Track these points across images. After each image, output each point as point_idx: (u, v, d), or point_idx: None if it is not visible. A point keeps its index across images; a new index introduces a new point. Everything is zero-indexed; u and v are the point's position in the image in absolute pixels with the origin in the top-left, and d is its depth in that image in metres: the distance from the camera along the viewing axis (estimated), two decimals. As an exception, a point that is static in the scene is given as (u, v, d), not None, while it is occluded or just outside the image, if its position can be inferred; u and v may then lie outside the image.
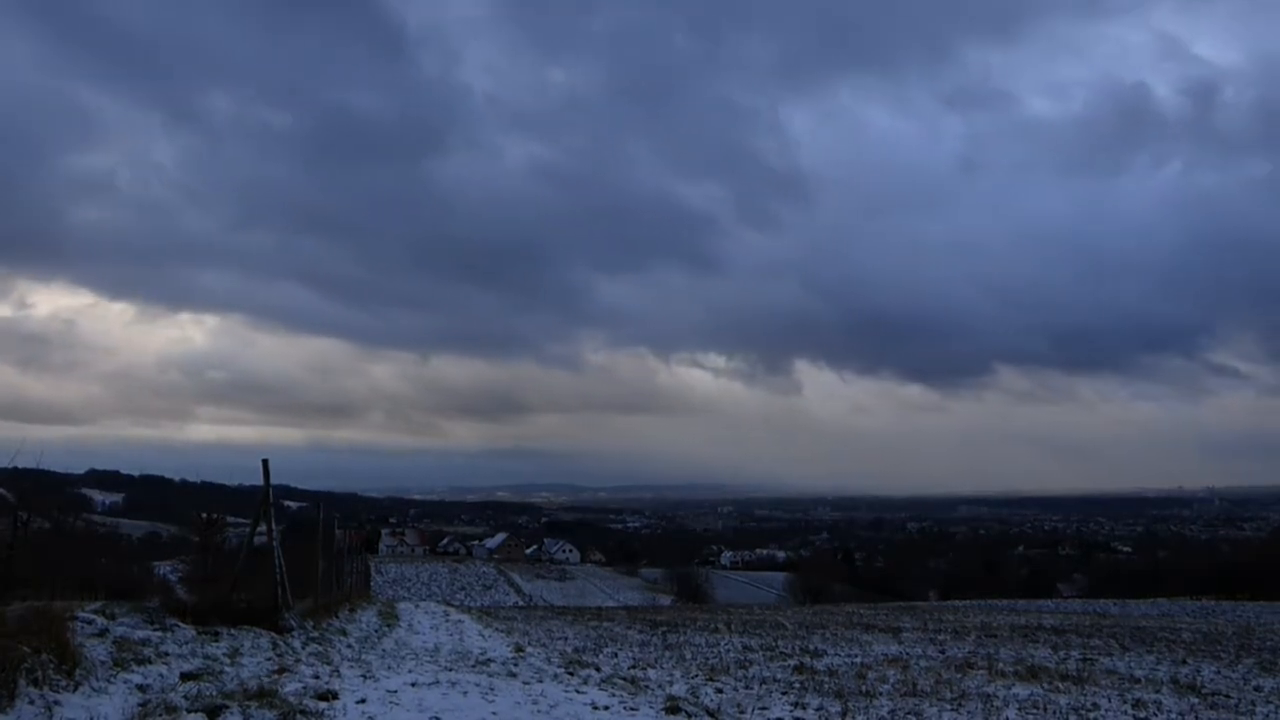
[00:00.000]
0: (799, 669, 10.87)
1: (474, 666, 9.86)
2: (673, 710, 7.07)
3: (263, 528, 11.59)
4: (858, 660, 11.99)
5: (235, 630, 9.28)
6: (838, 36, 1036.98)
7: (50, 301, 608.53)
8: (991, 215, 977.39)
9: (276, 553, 11.30)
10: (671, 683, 9.36)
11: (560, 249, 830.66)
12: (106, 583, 16.96)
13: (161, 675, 6.62)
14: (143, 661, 6.79)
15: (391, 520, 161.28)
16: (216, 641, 8.47)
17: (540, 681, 8.51)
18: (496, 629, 17.36)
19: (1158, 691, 9.26)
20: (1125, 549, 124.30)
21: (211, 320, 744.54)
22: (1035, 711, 7.96)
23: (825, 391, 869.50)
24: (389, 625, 16.33)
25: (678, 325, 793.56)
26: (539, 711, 6.78)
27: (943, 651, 13.35)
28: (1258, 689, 9.67)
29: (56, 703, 5.29)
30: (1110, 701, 8.54)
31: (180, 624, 8.66)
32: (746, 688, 9.16)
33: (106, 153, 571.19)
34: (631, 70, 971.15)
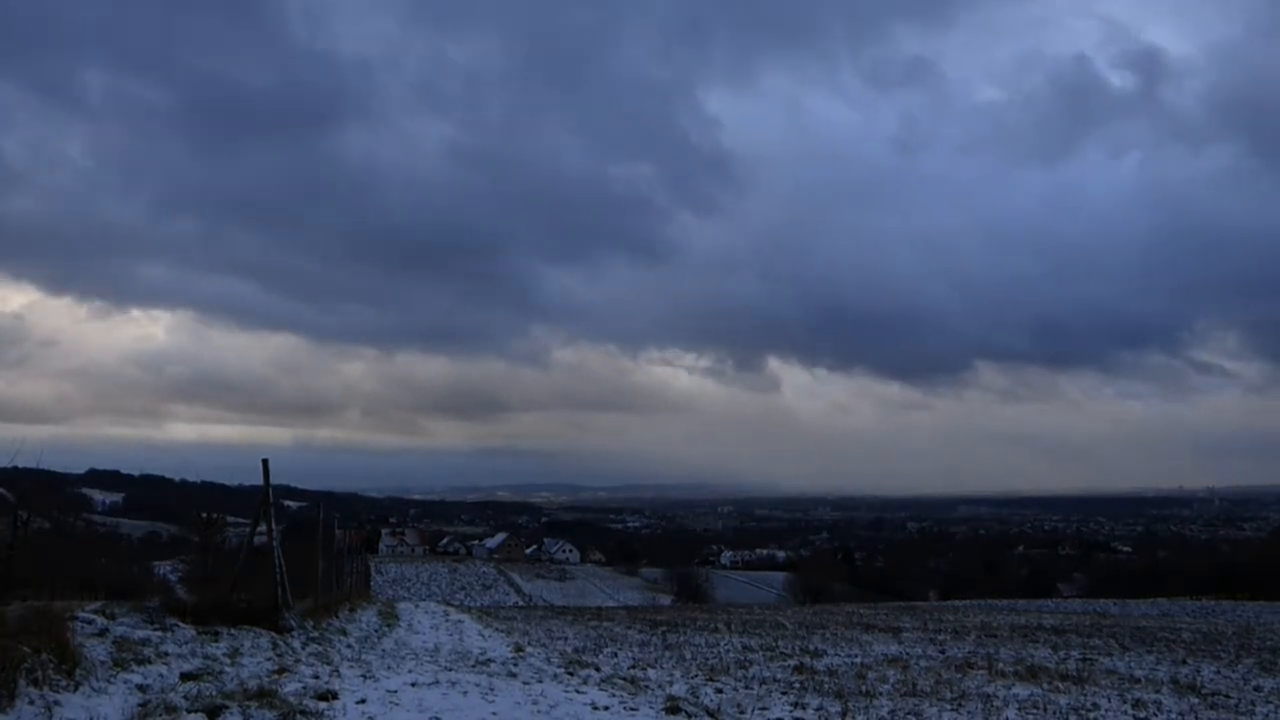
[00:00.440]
0: (799, 669, 10.87)
1: (474, 666, 9.86)
2: (673, 710, 7.07)
3: (263, 528, 11.58)
4: (858, 660, 11.99)
5: (235, 630, 9.28)
6: (753, 11, 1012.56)
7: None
8: (945, 204, 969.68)
9: (276, 553, 11.30)
10: (671, 683, 9.36)
11: (498, 238, 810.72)
12: (106, 583, 16.96)
13: (161, 675, 6.62)
14: (143, 661, 6.79)
15: (391, 520, 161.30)
16: (216, 641, 8.46)
17: (540, 681, 8.51)
18: (496, 629, 17.36)
19: (1158, 691, 9.26)
20: (1125, 549, 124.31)
21: (163, 316, 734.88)
22: (1035, 711, 7.96)
23: (805, 389, 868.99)
24: (389, 625, 16.33)
25: (639, 321, 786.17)
26: (539, 711, 6.78)
27: (943, 651, 13.35)
28: (1258, 689, 9.67)
29: (56, 703, 5.29)
30: (1110, 701, 8.54)
31: (180, 624, 8.66)
32: (746, 688, 9.16)
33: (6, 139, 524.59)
34: (528, 43, 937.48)
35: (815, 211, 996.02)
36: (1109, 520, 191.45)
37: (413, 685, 7.60)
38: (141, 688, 6.14)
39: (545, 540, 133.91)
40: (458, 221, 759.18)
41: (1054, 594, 66.35)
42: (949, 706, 8.10)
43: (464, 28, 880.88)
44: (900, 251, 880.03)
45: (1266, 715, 8.04)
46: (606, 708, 7.08)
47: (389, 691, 7.12)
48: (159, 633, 8.00)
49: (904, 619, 22.15)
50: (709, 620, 21.47)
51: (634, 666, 11.02)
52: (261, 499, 11.52)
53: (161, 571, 35.90)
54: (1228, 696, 9.04)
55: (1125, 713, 8.04)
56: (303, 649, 9.91)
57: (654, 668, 10.91)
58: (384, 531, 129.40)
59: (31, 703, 5.14)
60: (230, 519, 32.45)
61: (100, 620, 7.72)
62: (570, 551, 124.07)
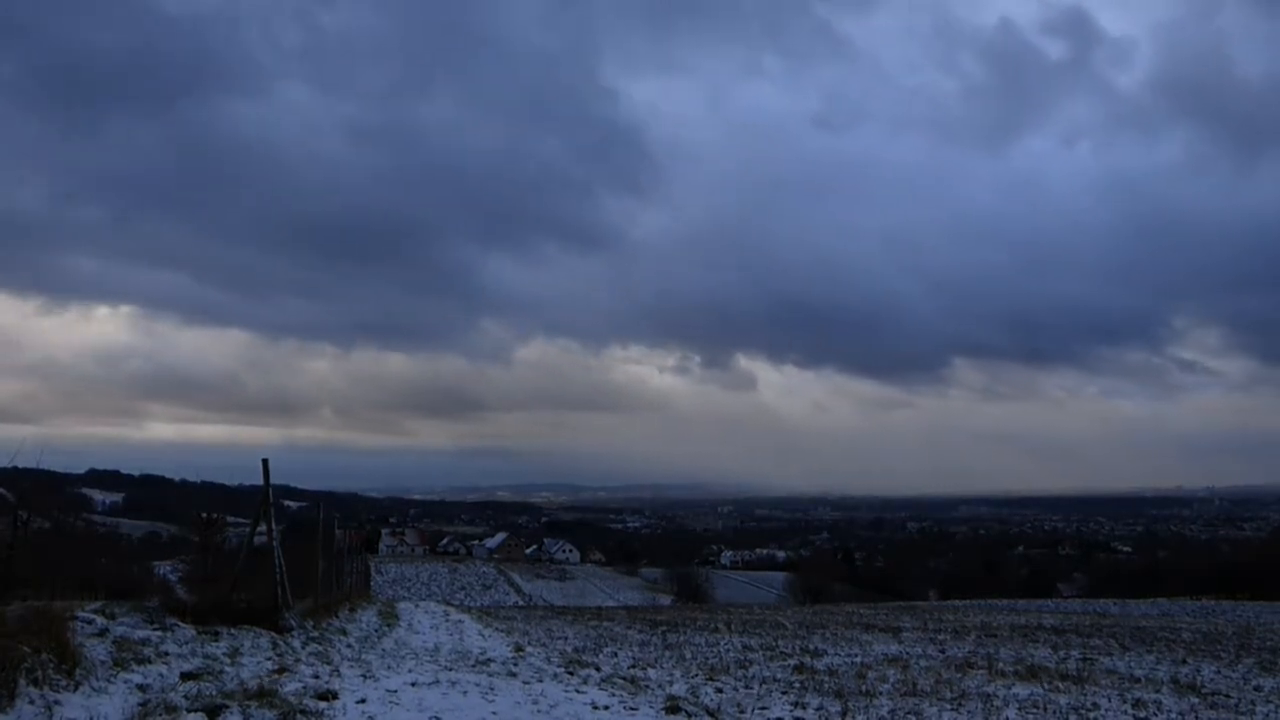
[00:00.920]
0: (799, 669, 10.87)
1: (474, 666, 9.86)
2: (673, 710, 7.07)
3: (263, 527, 11.59)
4: (858, 660, 11.99)
5: (235, 630, 9.28)
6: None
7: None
8: (893, 191, 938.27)
9: (276, 552, 11.30)
10: (671, 682, 9.36)
11: (420, 223, 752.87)
12: (106, 583, 16.95)
13: (161, 675, 6.62)
14: (143, 661, 6.79)
15: (391, 520, 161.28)
16: (216, 641, 8.46)
17: (540, 681, 8.51)
18: (496, 629, 17.36)
19: (1158, 691, 9.26)
20: (1125, 549, 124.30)
21: (105, 311, 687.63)
22: (1035, 711, 7.96)
23: (783, 388, 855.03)
24: (389, 625, 16.33)
25: (594, 316, 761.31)
26: (539, 711, 6.78)
27: (943, 651, 13.35)
28: (1258, 689, 9.67)
29: (56, 702, 5.29)
30: (1110, 701, 8.54)
31: (180, 624, 8.66)
32: (746, 687, 9.16)
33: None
34: (403, 5, 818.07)
35: (755, 199, 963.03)
36: (1109, 520, 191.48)
37: (413, 685, 7.59)
38: (141, 687, 6.14)
39: (545, 540, 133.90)
40: (371, 204, 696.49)
41: (1054, 594, 66.36)
42: (949, 706, 8.10)
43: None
44: (852, 243, 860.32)
45: (1266, 715, 8.04)
46: (606, 707, 7.08)
47: (389, 691, 7.11)
48: (159, 633, 8.00)
49: (904, 619, 22.15)
50: (709, 620, 21.47)
51: (634, 666, 11.03)
52: (261, 499, 11.52)
53: (161, 571, 35.88)
54: (1228, 696, 9.04)
55: (1125, 712, 8.04)
56: (303, 649, 9.91)
57: (654, 667, 10.91)
58: (384, 531, 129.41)
59: (31, 702, 5.15)
60: (230, 519, 32.40)
61: (100, 620, 7.72)
62: (570, 551, 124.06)
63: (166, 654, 7.29)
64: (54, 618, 6.52)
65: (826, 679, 9.87)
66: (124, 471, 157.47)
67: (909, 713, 7.75)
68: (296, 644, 10.05)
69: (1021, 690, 9.11)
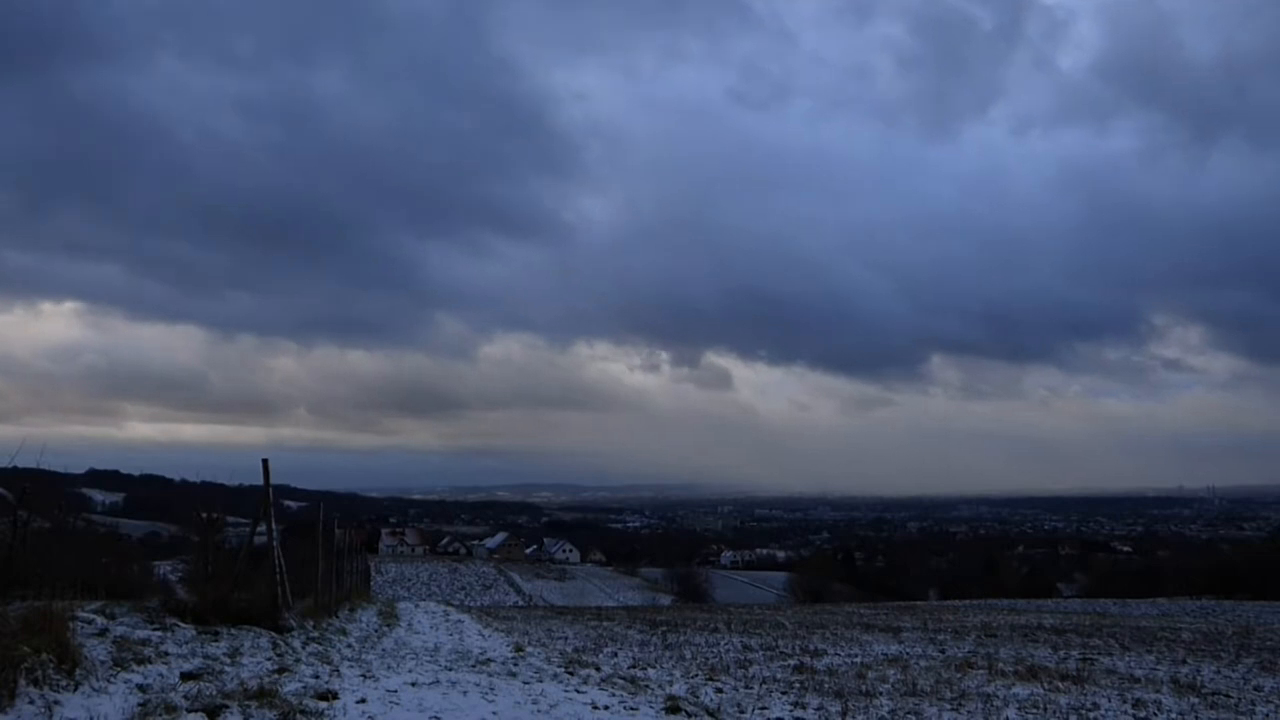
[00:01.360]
0: (799, 669, 10.87)
1: (474, 666, 9.86)
2: (673, 710, 7.07)
3: (263, 527, 11.59)
4: (858, 660, 11.99)
5: (235, 630, 9.28)
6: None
7: None
8: (843, 178, 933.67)
9: (276, 552, 11.30)
10: (671, 682, 9.36)
11: (346, 211, 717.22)
12: (106, 583, 16.91)
13: (161, 675, 6.61)
14: (143, 661, 6.79)
15: (391, 520, 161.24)
16: (216, 641, 8.46)
17: (540, 681, 8.51)
18: (496, 629, 17.36)
19: (1158, 691, 9.26)
20: (1125, 549, 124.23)
21: (49, 308, 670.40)
22: (1035, 711, 7.96)
23: (758, 385, 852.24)
24: (389, 625, 16.33)
25: (553, 311, 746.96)
26: (539, 711, 6.78)
27: (943, 651, 13.35)
28: (1258, 689, 9.67)
29: (56, 702, 5.29)
30: (1110, 701, 8.54)
31: (180, 624, 8.67)
32: (746, 687, 9.16)
33: None
34: None
35: (697, 186, 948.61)
36: (1109, 520, 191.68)
37: (413, 685, 7.59)
38: (141, 687, 6.13)
39: (545, 540, 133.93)
40: (284, 188, 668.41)
41: (1054, 594, 66.31)
42: (949, 706, 8.10)
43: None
44: (808, 235, 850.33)
45: (1266, 715, 8.05)
46: (606, 707, 7.08)
47: (389, 691, 7.11)
48: (159, 633, 8.00)
49: (904, 619, 22.15)
50: (709, 620, 21.47)
51: (634, 666, 11.03)
52: (262, 499, 11.53)
53: (161, 571, 35.79)
54: (1228, 696, 9.04)
55: (1125, 712, 8.04)
56: (303, 649, 9.91)
57: (654, 667, 10.91)
58: (384, 531, 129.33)
59: (31, 702, 5.14)
60: (230, 519, 32.36)
61: (100, 620, 7.72)
62: (570, 551, 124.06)
63: (166, 654, 7.29)
64: (54, 618, 6.51)
65: (826, 679, 9.87)
66: (124, 471, 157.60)
67: (909, 713, 7.76)
68: (297, 644, 10.05)
69: (1021, 690, 9.11)
